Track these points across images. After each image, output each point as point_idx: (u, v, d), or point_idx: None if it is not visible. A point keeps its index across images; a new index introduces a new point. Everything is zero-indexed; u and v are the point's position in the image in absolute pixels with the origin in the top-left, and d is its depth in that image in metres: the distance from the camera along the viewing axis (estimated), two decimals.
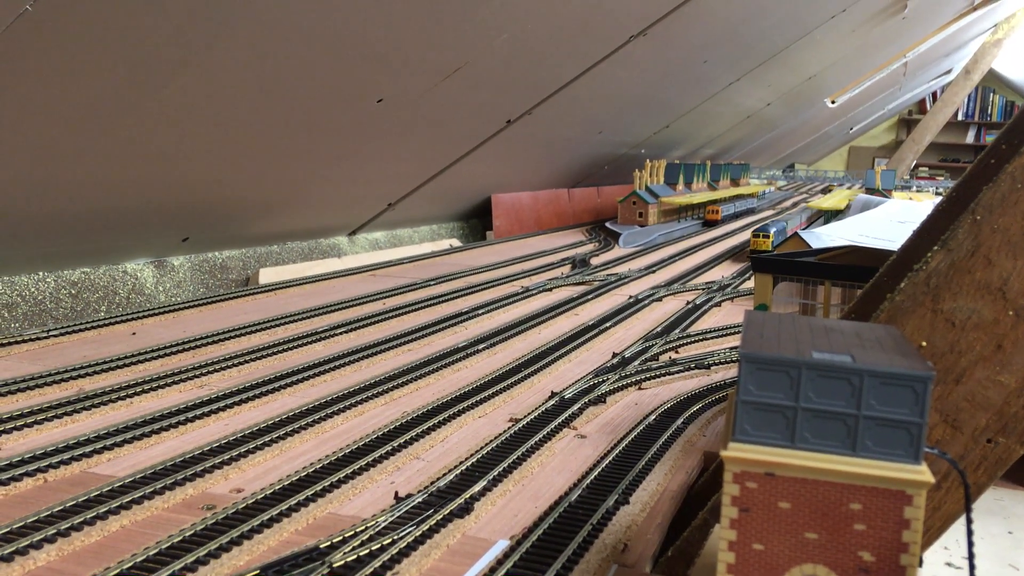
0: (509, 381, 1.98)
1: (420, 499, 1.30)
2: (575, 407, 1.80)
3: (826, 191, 8.89)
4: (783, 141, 10.85)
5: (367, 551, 1.13)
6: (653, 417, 1.76)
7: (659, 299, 3.11)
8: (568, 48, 3.52)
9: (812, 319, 0.94)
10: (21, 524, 1.17)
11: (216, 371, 1.97)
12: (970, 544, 0.80)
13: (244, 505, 1.27)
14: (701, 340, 2.46)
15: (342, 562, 1.10)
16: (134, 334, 2.31)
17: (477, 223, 5.16)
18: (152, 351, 2.09)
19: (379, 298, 2.94)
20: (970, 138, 13.64)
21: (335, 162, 3.23)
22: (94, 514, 1.21)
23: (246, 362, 2.06)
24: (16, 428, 1.54)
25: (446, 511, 1.26)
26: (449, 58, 2.91)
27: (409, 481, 1.42)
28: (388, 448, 1.52)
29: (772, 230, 4.12)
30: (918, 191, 8.04)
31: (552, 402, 1.83)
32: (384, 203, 3.95)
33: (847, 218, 4.16)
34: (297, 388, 1.89)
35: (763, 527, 0.78)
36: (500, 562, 1.13)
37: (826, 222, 4.89)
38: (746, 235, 5.36)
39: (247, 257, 3.37)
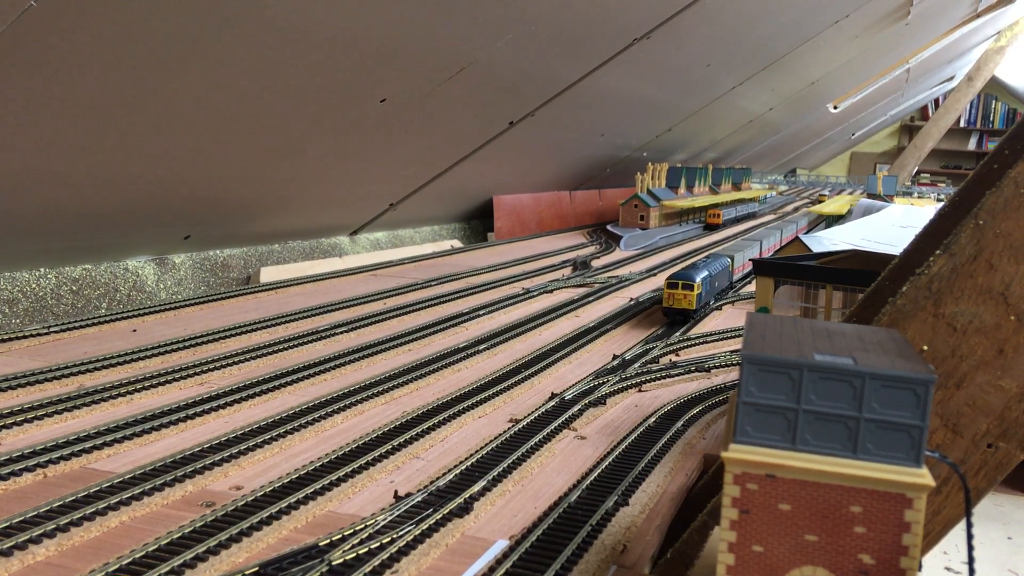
0: (509, 382, 1.98)
1: (420, 498, 1.30)
2: (575, 408, 1.80)
3: (816, 202, 8.14)
4: (785, 146, 10.85)
5: (366, 549, 1.13)
6: (653, 419, 1.76)
7: (659, 301, 3.10)
8: (572, 50, 3.52)
9: (814, 322, 0.94)
10: (20, 519, 1.17)
11: (217, 369, 1.97)
12: (970, 549, 0.80)
13: (243, 503, 1.27)
14: (701, 343, 2.46)
15: (341, 560, 1.10)
16: (135, 331, 2.31)
17: (478, 224, 5.16)
18: (153, 348, 2.09)
19: (380, 298, 2.94)
20: (972, 145, 13.64)
21: (337, 161, 3.23)
22: (93, 510, 1.21)
23: (247, 360, 2.06)
24: (16, 424, 1.54)
25: (446, 510, 1.26)
26: (452, 59, 2.91)
27: (409, 480, 1.42)
28: (388, 447, 1.52)
29: (698, 277, 2.69)
30: (919, 197, 8.03)
31: (552, 403, 1.84)
32: (386, 203, 3.95)
33: (849, 222, 4.12)
34: (297, 387, 1.89)
35: (763, 529, 0.78)
36: (499, 562, 1.13)
37: (827, 227, 4.88)
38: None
39: (248, 255, 3.37)
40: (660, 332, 2.61)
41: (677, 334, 2.55)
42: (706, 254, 3.70)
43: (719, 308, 3.00)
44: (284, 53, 2.30)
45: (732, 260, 3.27)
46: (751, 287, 3.34)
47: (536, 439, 1.60)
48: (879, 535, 0.76)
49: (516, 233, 5.14)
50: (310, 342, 2.27)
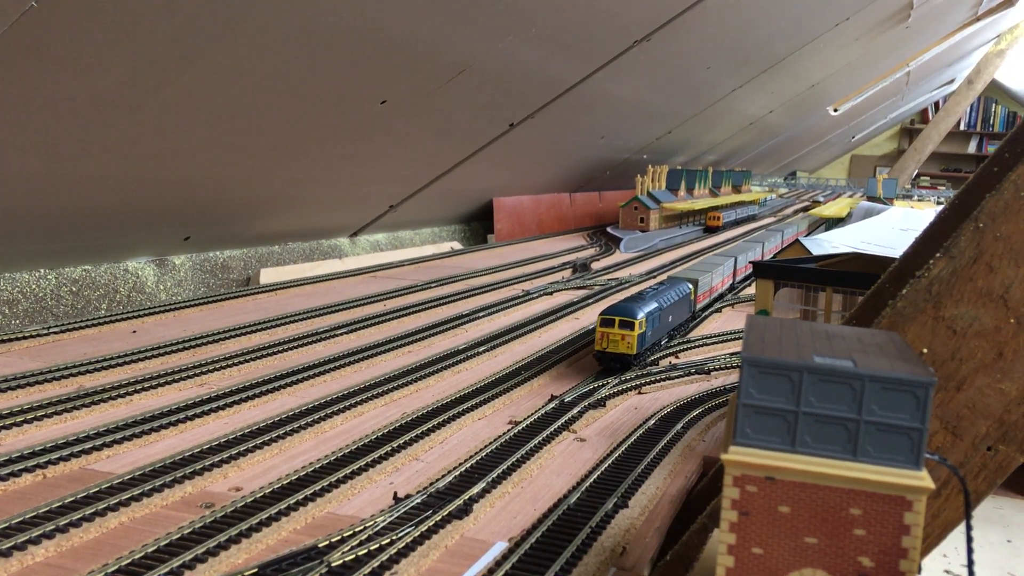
0: (509, 384, 1.98)
1: (419, 500, 1.30)
2: (575, 410, 1.79)
3: (807, 209, 7.76)
4: (785, 149, 10.86)
5: (365, 551, 1.13)
6: (653, 421, 1.76)
7: None
8: (572, 52, 3.52)
9: (814, 324, 0.94)
10: (20, 520, 1.17)
11: (216, 370, 1.97)
12: (969, 552, 0.80)
13: (243, 504, 1.27)
14: (701, 345, 2.46)
15: (340, 562, 1.10)
16: (135, 332, 2.31)
17: (478, 226, 5.16)
18: (152, 349, 2.09)
19: (380, 299, 2.93)
20: (972, 148, 13.64)
21: (338, 163, 3.23)
22: (93, 511, 1.21)
23: (246, 361, 2.06)
24: (16, 424, 1.54)
25: (445, 512, 1.26)
26: (453, 61, 2.91)
27: (408, 482, 1.42)
28: (387, 449, 1.52)
29: (641, 312, 2.09)
30: (919, 200, 8.04)
31: (552, 405, 1.83)
32: (386, 205, 3.96)
33: (849, 225, 4.09)
34: (297, 388, 1.89)
35: (763, 531, 0.78)
36: (499, 563, 1.13)
37: (827, 230, 4.87)
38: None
39: (248, 257, 3.37)
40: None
41: (610, 382, 2.02)
42: (664, 276, 3.07)
43: (719, 311, 2.99)
44: (285, 54, 2.30)
45: (695, 286, 2.64)
46: (751, 290, 3.33)
47: (536, 441, 1.59)
48: (879, 537, 0.76)
49: (516, 235, 5.14)
50: (310, 343, 2.27)
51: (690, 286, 2.59)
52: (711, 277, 2.87)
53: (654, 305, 2.19)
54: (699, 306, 2.73)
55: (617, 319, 2.06)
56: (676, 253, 4.79)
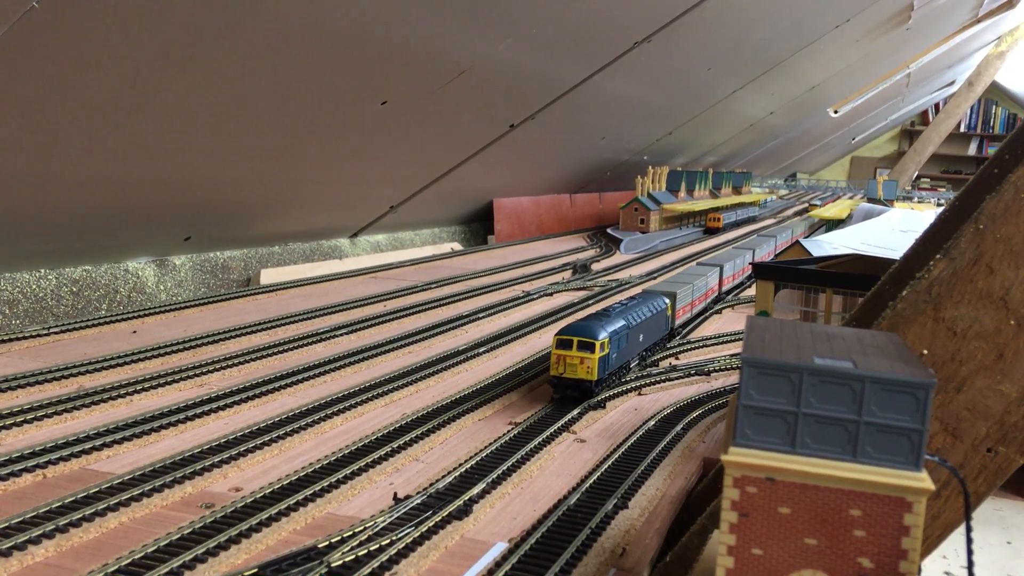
0: (509, 384, 1.98)
1: (419, 500, 1.30)
2: (575, 411, 1.79)
3: (803, 212, 7.57)
4: (785, 150, 10.86)
5: (365, 551, 1.13)
6: (653, 422, 1.76)
7: None
8: (572, 53, 3.53)
9: (814, 325, 0.94)
10: (20, 520, 1.17)
11: (216, 370, 1.97)
12: (969, 553, 0.80)
13: (243, 504, 1.27)
14: (701, 346, 2.46)
15: (340, 562, 1.10)
16: (135, 332, 2.31)
17: (479, 227, 5.16)
18: (153, 350, 2.09)
19: (380, 300, 2.94)
20: (972, 150, 13.63)
21: (338, 164, 3.23)
22: (93, 511, 1.21)
23: (246, 362, 2.06)
24: (16, 424, 1.54)
25: (445, 513, 1.26)
26: (453, 62, 2.91)
27: (408, 482, 1.42)
28: (387, 449, 1.52)
29: (603, 332, 1.84)
30: (919, 202, 8.04)
31: (552, 406, 1.83)
32: (386, 206, 3.95)
33: (849, 227, 4.09)
34: (297, 388, 1.89)
35: (762, 532, 0.78)
36: (498, 564, 1.13)
37: (828, 231, 4.87)
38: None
39: (248, 257, 3.37)
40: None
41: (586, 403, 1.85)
42: (638, 290, 2.84)
43: (719, 312, 2.99)
44: (286, 55, 2.30)
45: (673, 300, 2.40)
46: (750, 291, 3.33)
47: (536, 442, 1.59)
48: (879, 539, 0.76)
49: (516, 236, 5.14)
50: (310, 344, 2.27)
51: (667, 301, 2.35)
52: (692, 290, 2.62)
53: (620, 323, 1.95)
54: (679, 322, 2.51)
55: (575, 340, 1.81)
56: (676, 254, 4.79)
